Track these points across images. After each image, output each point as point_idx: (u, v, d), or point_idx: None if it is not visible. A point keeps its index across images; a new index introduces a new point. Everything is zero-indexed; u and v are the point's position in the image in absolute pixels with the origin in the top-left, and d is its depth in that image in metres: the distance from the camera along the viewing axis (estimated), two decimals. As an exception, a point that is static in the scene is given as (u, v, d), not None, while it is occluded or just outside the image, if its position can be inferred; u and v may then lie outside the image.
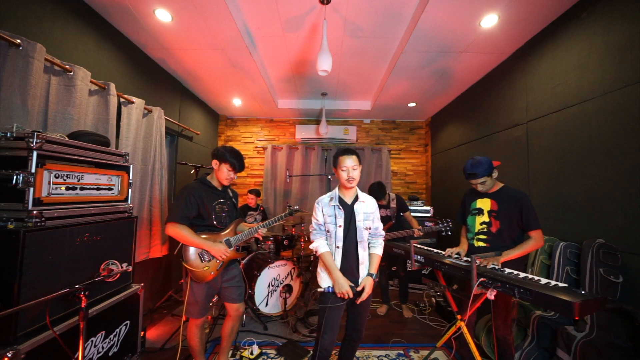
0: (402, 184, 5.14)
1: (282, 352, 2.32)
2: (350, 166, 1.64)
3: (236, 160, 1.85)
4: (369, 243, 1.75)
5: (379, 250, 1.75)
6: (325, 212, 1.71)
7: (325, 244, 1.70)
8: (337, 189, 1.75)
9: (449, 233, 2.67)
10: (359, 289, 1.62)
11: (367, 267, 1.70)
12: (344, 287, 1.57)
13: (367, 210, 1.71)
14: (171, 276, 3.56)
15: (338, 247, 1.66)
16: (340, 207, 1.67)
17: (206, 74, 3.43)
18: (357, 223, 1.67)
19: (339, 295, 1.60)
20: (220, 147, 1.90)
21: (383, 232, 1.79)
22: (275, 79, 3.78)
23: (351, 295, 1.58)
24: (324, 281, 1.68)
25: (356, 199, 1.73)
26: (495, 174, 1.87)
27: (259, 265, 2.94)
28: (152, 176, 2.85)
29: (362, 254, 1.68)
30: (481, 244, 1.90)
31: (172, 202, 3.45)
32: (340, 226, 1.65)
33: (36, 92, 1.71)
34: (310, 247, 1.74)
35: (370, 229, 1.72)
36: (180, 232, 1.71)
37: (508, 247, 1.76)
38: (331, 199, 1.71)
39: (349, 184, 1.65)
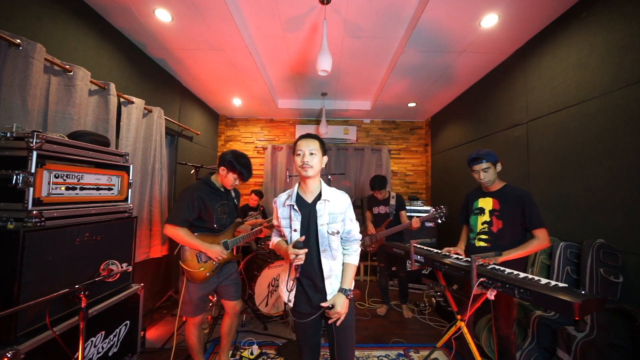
0: (402, 184, 5.13)
1: (282, 352, 2.32)
2: (306, 150, 1.34)
3: (246, 171, 1.83)
4: (343, 250, 1.44)
5: (353, 258, 1.41)
6: (280, 213, 1.42)
7: (280, 238, 1.48)
8: (296, 185, 1.44)
9: (444, 219, 2.67)
10: (325, 304, 1.32)
11: (337, 281, 1.39)
12: (290, 249, 1.27)
13: (334, 210, 1.36)
14: (171, 276, 3.56)
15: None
16: (297, 208, 1.36)
17: (206, 74, 3.43)
18: (319, 227, 1.33)
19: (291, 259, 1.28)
20: (229, 153, 1.84)
21: (359, 236, 1.46)
22: (275, 79, 3.78)
23: (299, 253, 1.26)
24: (284, 294, 1.40)
25: (319, 197, 1.38)
26: (499, 167, 1.87)
27: (259, 265, 2.94)
28: (152, 176, 2.85)
29: (328, 266, 1.35)
30: (482, 243, 1.89)
31: (172, 202, 3.45)
32: (295, 230, 1.35)
33: (36, 92, 1.71)
34: (270, 246, 1.56)
35: (338, 233, 1.37)
36: (177, 233, 1.72)
37: (509, 248, 1.75)
38: (288, 197, 1.41)
39: (303, 172, 1.33)
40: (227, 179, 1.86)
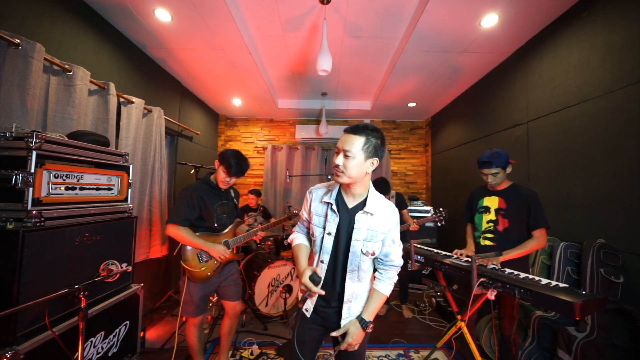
0: (402, 184, 5.13)
1: (282, 352, 2.32)
2: (342, 148, 1.09)
3: (234, 162, 1.77)
4: (376, 273, 1.22)
5: (385, 287, 1.17)
6: (313, 208, 1.22)
7: (303, 237, 1.32)
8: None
9: (443, 223, 2.67)
10: (336, 333, 1.14)
11: (358, 305, 1.19)
12: (304, 278, 1.10)
13: (376, 227, 1.13)
14: (171, 276, 3.56)
15: (323, 262, 1.17)
16: (336, 209, 1.16)
17: (206, 74, 3.43)
18: (353, 242, 1.12)
19: (300, 289, 1.16)
20: (228, 150, 1.85)
21: (399, 262, 1.20)
22: (275, 79, 3.77)
23: (313, 291, 1.09)
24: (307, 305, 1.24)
25: (362, 205, 1.15)
26: (509, 169, 1.86)
27: (259, 265, 2.94)
28: (152, 176, 2.85)
29: (352, 289, 1.15)
30: (487, 242, 1.89)
31: (172, 202, 3.45)
32: (329, 234, 1.15)
33: (35, 91, 1.70)
34: (288, 240, 1.42)
35: (373, 255, 1.14)
36: (179, 233, 1.72)
37: (514, 247, 1.75)
38: (327, 192, 1.20)
39: (335, 176, 1.13)
40: (218, 172, 1.85)
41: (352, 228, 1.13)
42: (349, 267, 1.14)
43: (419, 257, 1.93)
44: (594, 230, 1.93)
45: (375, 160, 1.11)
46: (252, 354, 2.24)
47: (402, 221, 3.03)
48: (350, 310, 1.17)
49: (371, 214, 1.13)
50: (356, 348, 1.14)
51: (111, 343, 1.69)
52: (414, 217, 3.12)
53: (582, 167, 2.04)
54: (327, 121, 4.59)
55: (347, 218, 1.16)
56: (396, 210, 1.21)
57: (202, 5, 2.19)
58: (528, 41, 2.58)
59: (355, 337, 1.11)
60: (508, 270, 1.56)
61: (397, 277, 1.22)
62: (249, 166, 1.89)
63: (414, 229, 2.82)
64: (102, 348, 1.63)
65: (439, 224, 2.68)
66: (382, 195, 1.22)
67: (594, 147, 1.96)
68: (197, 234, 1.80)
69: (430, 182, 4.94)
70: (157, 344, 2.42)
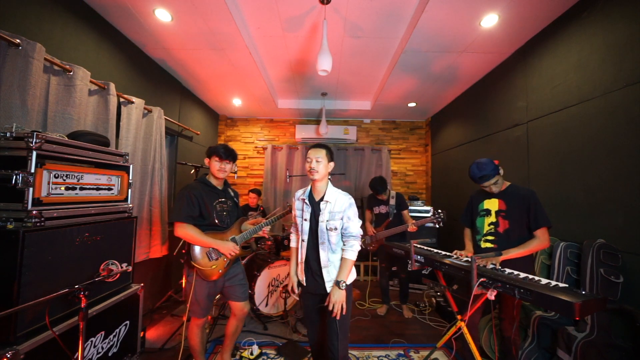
0: (402, 184, 5.13)
1: (282, 352, 2.32)
2: (313, 157, 1.62)
3: (221, 148, 1.90)
4: (343, 245, 1.64)
5: (349, 254, 1.59)
6: (295, 205, 1.74)
7: (295, 239, 1.81)
8: (310, 185, 1.74)
9: (441, 225, 2.67)
10: (326, 304, 1.55)
11: (336, 270, 1.61)
12: (291, 280, 1.76)
13: (334, 209, 1.60)
14: (171, 276, 3.55)
15: (303, 241, 1.67)
16: (308, 202, 1.66)
17: (206, 74, 3.43)
18: (320, 223, 1.60)
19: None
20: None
21: (356, 233, 1.61)
22: (275, 79, 3.77)
23: (295, 291, 1.76)
24: (299, 276, 1.75)
25: (323, 197, 1.64)
26: (501, 171, 1.86)
27: (259, 265, 2.94)
28: (152, 176, 2.85)
29: (326, 257, 1.61)
30: (488, 244, 1.88)
31: (172, 202, 3.45)
32: (305, 220, 1.65)
33: (36, 92, 1.71)
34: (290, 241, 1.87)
35: (336, 229, 1.60)
36: (189, 232, 1.73)
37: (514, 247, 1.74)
38: (303, 192, 1.72)
39: (310, 176, 1.61)
40: (212, 166, 1.91)
41: (319, 214, 1.62)
42: (319, 241, 1.61)
43: (419, 257, 1.93)
44: (593, 230, 1.93)
45: (333, 164, 1.69)
46: (252, 354, 2.24)
47: (403, 222, 3.04)
48: (330, 274, 1.61)
49: (329, 202, 1.62)
50: (338, 305, 1.52)
51: (111, 343, 1.70)
52: (413, 218, 3.12)
53: (582, 167, 2.04)
54: (327, 121, 4.60)
55: (314, 207, 1.65)
56: (349, 196, 1.65)
57: (202, 5, 2.20)
58: (528, 41, 2.58)
59: (335, 296, 1.53)
60: (508, 270, 1.56)
61: (359, 246, 1.62)
62: (236, 154, 2.03)
63: (412, 230, 2.83)
64: (102, 348, 1.63)
65: (437, 226, 2.70)
66: (338, 189, 1.67)
67: (594, 147, 1.96)
68: (205, 233, 1.81)
69: (430, 182, 4.95)
70: (157, 344, 2.42)
